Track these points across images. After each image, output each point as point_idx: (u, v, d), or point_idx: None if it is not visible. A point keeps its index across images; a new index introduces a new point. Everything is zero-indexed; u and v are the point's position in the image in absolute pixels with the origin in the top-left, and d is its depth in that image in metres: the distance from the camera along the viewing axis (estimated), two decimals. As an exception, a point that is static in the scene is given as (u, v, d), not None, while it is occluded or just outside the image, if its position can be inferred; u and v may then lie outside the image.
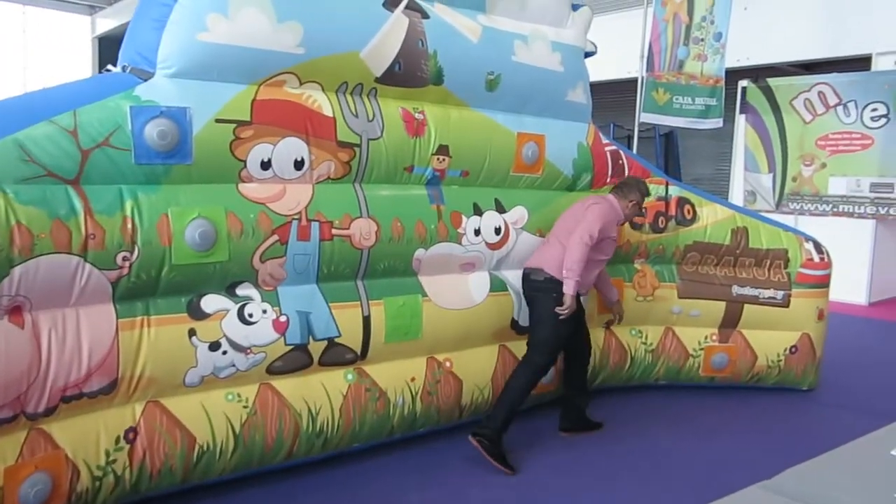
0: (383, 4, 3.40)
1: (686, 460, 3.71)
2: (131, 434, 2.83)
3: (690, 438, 4.00)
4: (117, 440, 2.79)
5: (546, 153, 4.11)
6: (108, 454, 2.76)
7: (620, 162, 4.56)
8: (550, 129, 4.13)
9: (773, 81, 8.98)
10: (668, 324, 4.72)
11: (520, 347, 4.01)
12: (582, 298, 3.98)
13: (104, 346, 2.73)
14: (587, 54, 4.39)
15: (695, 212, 4.72)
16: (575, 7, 4.28)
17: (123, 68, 2.97)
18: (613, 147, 4.58)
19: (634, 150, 7.49)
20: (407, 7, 3.47)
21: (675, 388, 4.79)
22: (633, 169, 4.61)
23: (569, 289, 3.58)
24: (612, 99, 10.98)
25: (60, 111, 2.65)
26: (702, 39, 6.74)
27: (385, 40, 3.39)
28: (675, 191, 4.73)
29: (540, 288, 3.73)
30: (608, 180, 4.48)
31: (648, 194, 4.13)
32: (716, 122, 6.85)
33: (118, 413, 2.82)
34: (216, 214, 2.95)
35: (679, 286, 4.70)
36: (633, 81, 7.68)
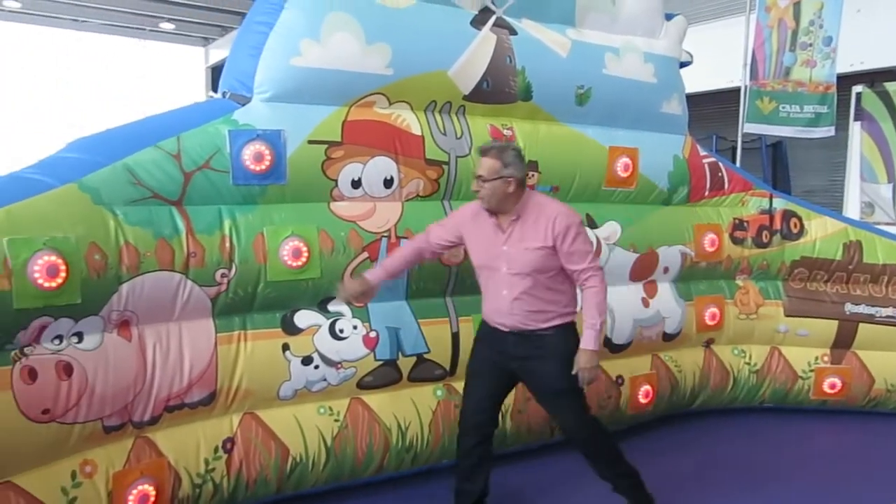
0: (471, 23, 3.43)
1: (794, 490, 3.49)
2: (229, 444, 2.94)
3: (799, 467, 3.77)
4: (216, 450, 2.91)
5: (640, 167, 4.01)
6: (207, 463, 2.89)
7: (720, 174, 4.39)
8: (644, 142, 4.03)
9: (890, 86, 8.40)
10: (773, 343, 4.48)
11: (614, 366, 3.92)
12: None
13: (204, 359, 2.86)
14: (682, 64, 4.27)
15: (802, 225, 4.47)
16: (669, 17, 4.18)
17: (223, 94, 3.13)
18: (712, 159, 4.42)
19: (738, 162, 7.20)
20: (495, 24, 3.49)
21: (782, 412, 4.53)
22: (733, 181, 4.43)
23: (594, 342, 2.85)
24: (714, 110, 10.59)
25: (165, 137, 2.82)
26: (810, 45, 6.40)
27: (473, 58, 3.41)
28: (780, 203, 4.50)
29: (542, 345, 2.87)
30: (706, 193, 4.33)
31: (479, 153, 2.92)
32: (827, 131, 6.47)
33: (217, 423, 2.94)
34: (309, 232, 3.04)
35: (785, 304, 4.45)
36: (736, 91, 7.37)
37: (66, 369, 2.47)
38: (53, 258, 2.38)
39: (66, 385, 2.46)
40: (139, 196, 2.72)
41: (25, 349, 2.39)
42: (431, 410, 3.36)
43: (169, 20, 15.41)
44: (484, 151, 2.85)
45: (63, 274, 2.41)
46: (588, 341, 2.83)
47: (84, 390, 2.50)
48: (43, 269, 2.36)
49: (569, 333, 2.91)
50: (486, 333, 3.00)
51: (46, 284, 2.37)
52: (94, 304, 2.55)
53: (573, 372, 2.82)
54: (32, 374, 2.38)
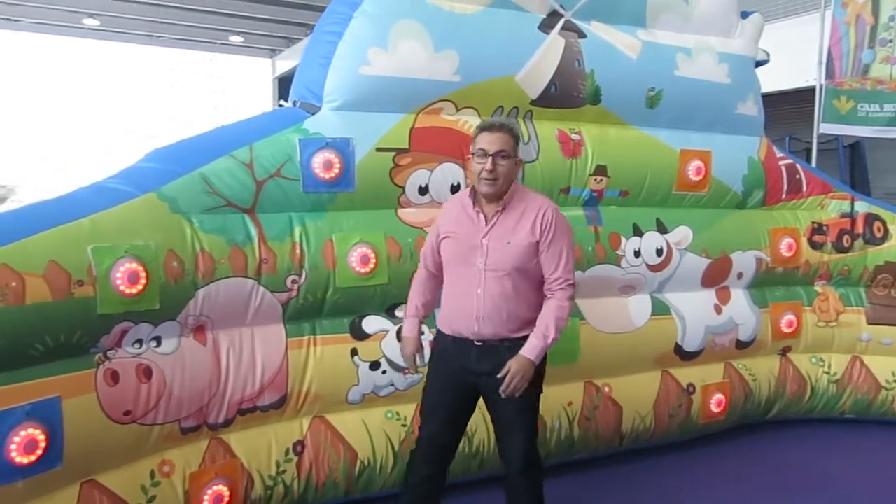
0: (539, 27, 3.41)
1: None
2: (299, 447, 2.99)
3: (879, 480, 3.59)
4: (287, 452, 2.96)
5: (712, 170, 3.90)
6: (278, 465, 2.94)
7: (797, 176, 4.24)
8: (718, 144, 3.92)
9: (979, 82, 7.97)
10: (854, 352, 4.29)
11: (685, 374, 3.83)
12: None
13: (275, 363, 2.91)
14: (758, 63, 4.14)
15: (886, 229, 4.27)
16: (744, 15, 4.05)
17: (294, 103, 3.19)
18: (789, 161, 4.27)
19: (814, 164, 6.94)
20: (563, 28, 3.45)
21: (864, 423, 4.33)
22: (811, 183, 4.27)
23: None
24: (788, 110, 10.24)
25: (238, 146, 2.89)
26: (890, 41, 6.12)
27: (541, 63, 3.39)
28: (862, 206, 4.31)
29: (510, 358, 2.52)
30: (783, 196, 4.18)
31: (484, 128, 2.60)
32: (909, 130, 6.18)
33: (287, 427, 2.99)
34: (377, 239, 3.07)
35: (868, 311, 4.26)
36: (811, 90, 7.12)
37: (146, 372, 2.55)
38: (134, 265, 2.47)
39: (146, 387, 2.54)
40: (214, 204, 2.80)
41: (108, 353, 2.48)
42: (499, 417, 3.33)
43: (238, 33, 15.86)
44: (498, 126, 2.55)
45: (143, 280, 2.49)
46: (532, 350, 2.48)
47: (162, 393, 2.58)
48: (125, 276, 2.44)
49: None
50: (444, 349, 2.65)
51: (128, 291, 2.46)
52: (172, 310, 2.63)
53: (500, 374, 2.47)
54: (115, 377, 2.47)
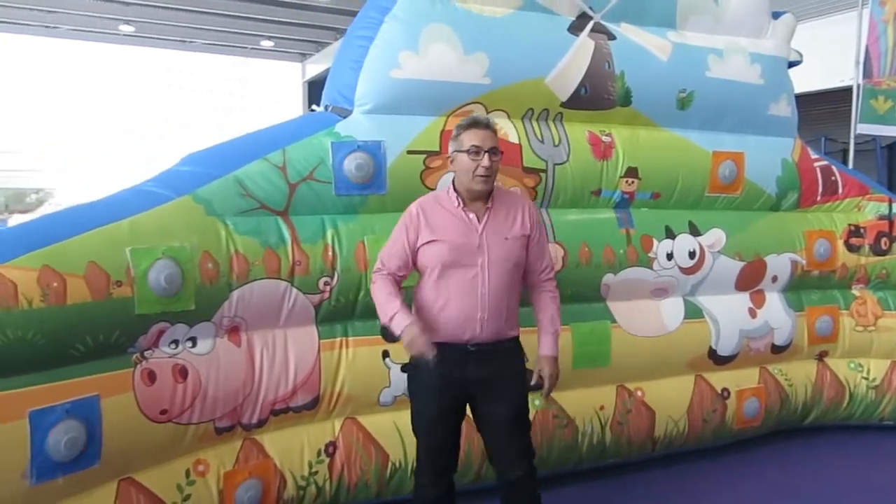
0: (568, 29, 3.40)
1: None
2: (331, 448, 3.01)
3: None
4: (319, 453, 2.99)
5: (745, 171, 3.85)
6: (310, 465, 2.96)
7: (833, 178, 4.17)
8: (750, 145, 3.87)
9: None
10: (894, 357, 4.19)
11: (719, 378, 3.78)
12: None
13: (308, 364, 2.94)
14: (791, 64, 4.08)
15: (926, 232, 4.18)
16: (776, 15, 4.00)
17: (326, 107, 3.22)
18: (825, 162, 4.20)
19: (850, 165, 6.81)
20: (592, 30, 3.44)
21: (904, 431, 4.25)
22: (847, 185, 4.19)
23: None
24: (823, 110, 10.08)
25: (272, 149, 2.92)
26: (930, 39, 6.00)
27: (570, 65, 3.38)
28: (900, 208, 4.23)
29: (504, 360, 2.57)
30: (818, 198, 4.11)
31: (471, 125, 2.52)
32: (950, 131, 6.04)
33: (319, 427, 3.01)
34: (408, 241, 3.07)
35: (907, 315, 4.17)
36: (848, 90, 7.00)
37: (182, 372, 2.60)
38: (171, 266, 2.51)
39: (182, 387, 2.59)
40: (248, 207, 2.84)
41: (145, 353, 2.53)
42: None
43: (268, 38, 16.05)
44: (485, 123, 2.51)
45: (180, 281, 2.53)
46: (553, 346, 2.59)
47: (198, 392, 2.63)
48: (161, 277, 2.49)
49: (520, 345, 2.65)
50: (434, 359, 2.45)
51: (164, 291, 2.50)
52: (207, 311, 2.67)
53: (533, 382, 2.53)
54: (151, 377, 2.52)
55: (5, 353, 2.15)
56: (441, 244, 2.49)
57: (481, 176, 2.46)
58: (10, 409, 2.16)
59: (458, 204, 2.52)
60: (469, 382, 2.51)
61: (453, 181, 2.57)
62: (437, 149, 3.14)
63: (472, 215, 2.51)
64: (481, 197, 2.53)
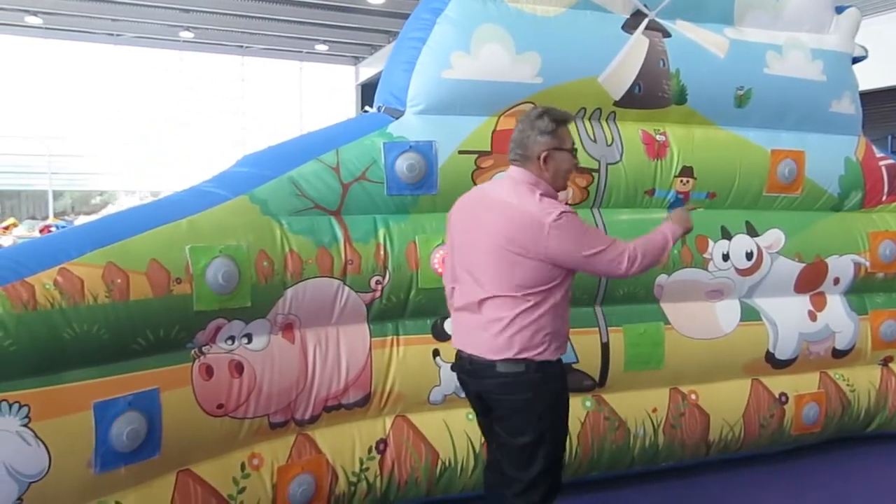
0: (622, 27, 3.36)
1: None
2: (382, 445, 3.04)
3: None
4: (370, 450, 3.02)
5: (806, 170, 3.74)
6: (361, 462, 3.00)
7: (900, 177, 4.02)
8: (811, 144, 3.76)
9: None
10: (964, 364, 4.03)
11: (775, 383, 3.69)
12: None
13: (359, 362, 2.98)
14: (856, 59, 3.95)
15: None
16: (839, 9, 3.88)
17: (378, 108, 3.26)
18: (891, 161, 4.05)
19: (919, 164, 6.56)
20: (647, 27, 3.39)
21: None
22: (914, 185, 4.04)
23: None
24: (890, 108, 9.73)
25: (325, 150, 2.97)
26: None
27: (624, 63, 3.34)
28: (972, 208, 4.05)
29: (506, 384, 2.30)
30: (884, 198, 3.97)
31: (567, 120, 2.38)
32: None
33: (371, 425, 3.05)
34: (459, 241, 3.09)
35: (980, 320, 3.99)
36: (916, 86, 6.74)
37: (238, 368, 2.66)
38: (228, 264, 2.58)
39: (238, 382, 2.65)
40: (302, 206, 2.89)
41: (203, 348, 2.61)
42: (580, 421, 3.30)
43: (323, 42, 16.29)
44: (573, 118, 2.42)
45: (236, 279, 2.60)
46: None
47: (253, 388, 2.69)
48: (219, 275, 2.55)
49: None
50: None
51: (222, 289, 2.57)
52: (262, 308, 2.73)
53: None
54: (209, 371, 2.59)
55: (73, 346, 2.23)
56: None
57: (569, 177, 2.37)
58: (77, 400, 2.24)
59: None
60: None
61: (535, 180, 2.30)
62: (489, 149, 3.15)
63: None
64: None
